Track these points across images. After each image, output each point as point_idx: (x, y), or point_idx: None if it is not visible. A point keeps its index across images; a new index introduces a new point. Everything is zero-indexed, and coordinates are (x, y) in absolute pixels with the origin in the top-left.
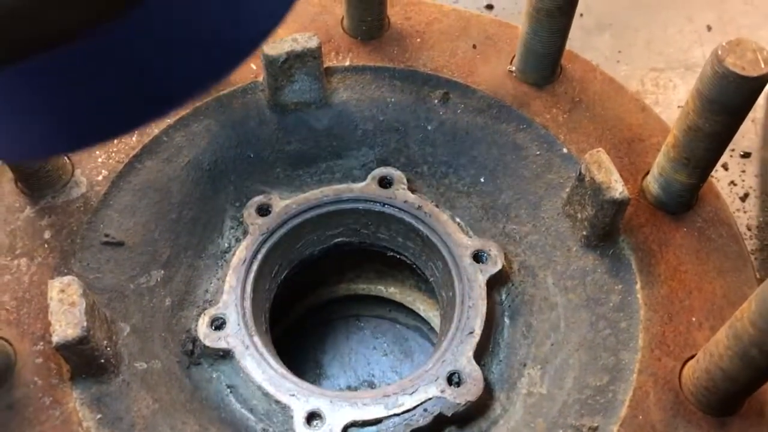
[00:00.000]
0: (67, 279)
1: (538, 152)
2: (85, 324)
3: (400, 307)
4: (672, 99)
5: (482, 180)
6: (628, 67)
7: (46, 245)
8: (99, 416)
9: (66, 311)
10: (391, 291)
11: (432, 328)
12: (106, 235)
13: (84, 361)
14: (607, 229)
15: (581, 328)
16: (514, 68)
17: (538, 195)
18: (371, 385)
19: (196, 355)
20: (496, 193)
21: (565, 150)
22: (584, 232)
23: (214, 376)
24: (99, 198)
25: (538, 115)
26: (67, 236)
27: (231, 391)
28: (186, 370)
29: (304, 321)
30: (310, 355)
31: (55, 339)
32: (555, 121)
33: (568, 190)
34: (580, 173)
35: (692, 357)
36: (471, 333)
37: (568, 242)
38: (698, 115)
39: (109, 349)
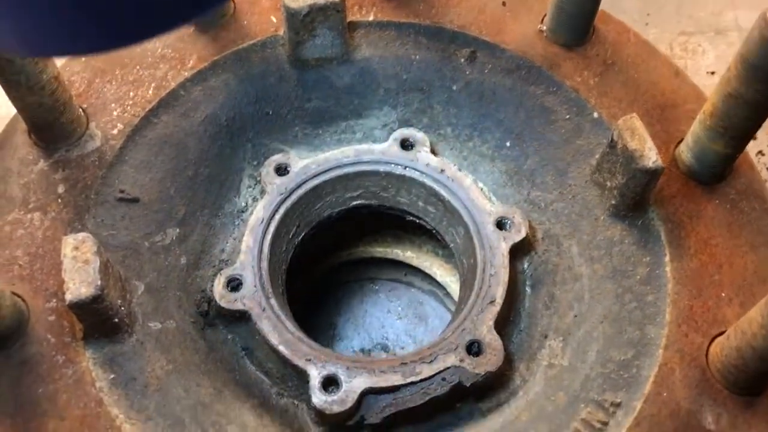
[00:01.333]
0: (81, 236)
1: (567, 116)
2: (99, 282)
3: (416, 271)
4: (701, 64)
5: (508, 144)
6: (656, 30)
7: (59, 200)
8: (112, 376)
9: (80, 269)
10: (408, 255)
11: (448, 294)
12: (121, 191)
13: (97, 321)
14: (638, 198)
15: (606, 301)
16: (544, 28)
17: (566, 161)
18: (385, 349)
19: (211, 316)
20: (522, 158)
21: (595, 115)
22: (613, 201)
23: (229, 337)
24: (114, 152)
25: (568, 78)
26: (81, 191)
27: (246, 354)
28: (201, 330)
29: (319, 282)
30: (325, 316)
31: (68, 297)
32: (586, 85)
33: (597, 156)
34: (612, 140)
35: (721, 334)
36: (492, 302)
37: (596, 211)
38: (740, 82)
39: (123, 308)
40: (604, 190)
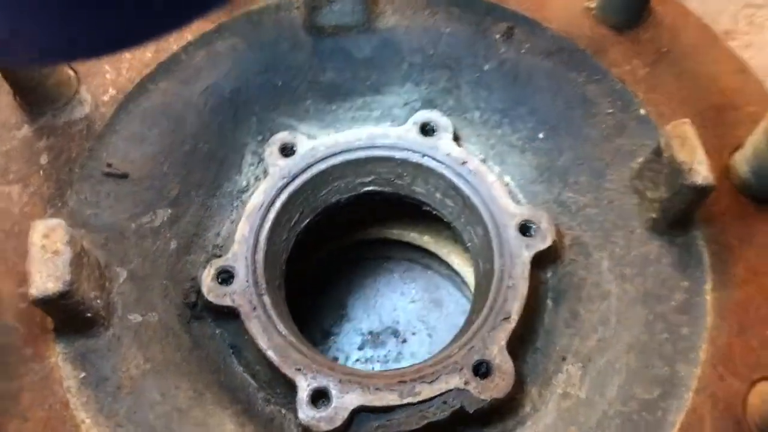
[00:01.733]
0: (52, 222)
1: (610, 110)
2: (68, 277)
3: (434, 255)
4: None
5: (540, 136)
6: (719, 2)
7: (41, 172)
8: (83, 375)
9: (48, 260)
10: (425, 240)
11: (465, 282)
12: (109, 165)
13: (67, 317)
14: (681, 216)
15: (635, 327)
16: (593, 5)
17: (604, 161)
18: (395, 333)
19: (199, 308)
20: (555, 152)
21: (642, 111)
22: (653, 215)
23: (217, 332)
24: (104, 121)
25: (615, 66)
26: (66, 163)
27: (234, 352)
28: (186, 324)
29: (329, 260)
30: (334, 294)
31: (32, 292)
32: (634, 75)
33: (640, 160)
34: (659, 146)
35: (763, 379)
36: (507, 318)
37: (632, 222)
38: None
39: (98, 301)
40: (644, 200)
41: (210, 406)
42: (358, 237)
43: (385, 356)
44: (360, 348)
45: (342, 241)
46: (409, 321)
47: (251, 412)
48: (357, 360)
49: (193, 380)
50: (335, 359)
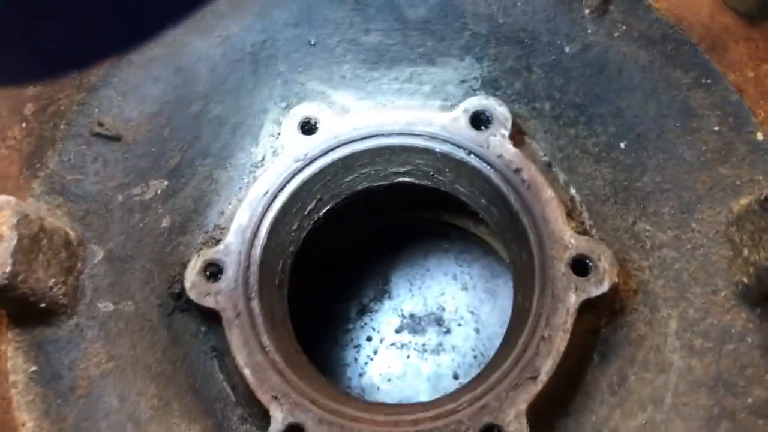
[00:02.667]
0: (0, 199)
1: (716, 127)
2: (9, 269)
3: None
4: None
5: (622, 145)
6: None
7: (24, 123)
8: (33, 368)
9: None
10: (481, 230)
11: None
12: (100, 124)
13: (14, 307)
14: None
15: (693, 419)
16: None
17: (697, 193)
18: (439, 321)
19: (185, 298)
20: (638, 170)
21: (759, 136)
22: (744, 279)
23: (201, 330)
24: (99, 71)
25: (734, 69)
26: (52, 117)
27: (216, 356)
28: (166, 317)
29: (374, 228)
30: (377, 265)
31: None
32: (759, 85)
33: (744, 202)
34: (765, 198)
35: None
36: (534, 378)
37: (718, 281)
38: None
39: (59, 288)
40: (738, 257)
41: (174, 419)
42: (405, 215)
43: (424, 345)
44: (398, 331)
45: (385, 217)
46: (457, 309)
47: (223, 431)
48: (392, 344)
49: (162, 385)
50: (369, 339)
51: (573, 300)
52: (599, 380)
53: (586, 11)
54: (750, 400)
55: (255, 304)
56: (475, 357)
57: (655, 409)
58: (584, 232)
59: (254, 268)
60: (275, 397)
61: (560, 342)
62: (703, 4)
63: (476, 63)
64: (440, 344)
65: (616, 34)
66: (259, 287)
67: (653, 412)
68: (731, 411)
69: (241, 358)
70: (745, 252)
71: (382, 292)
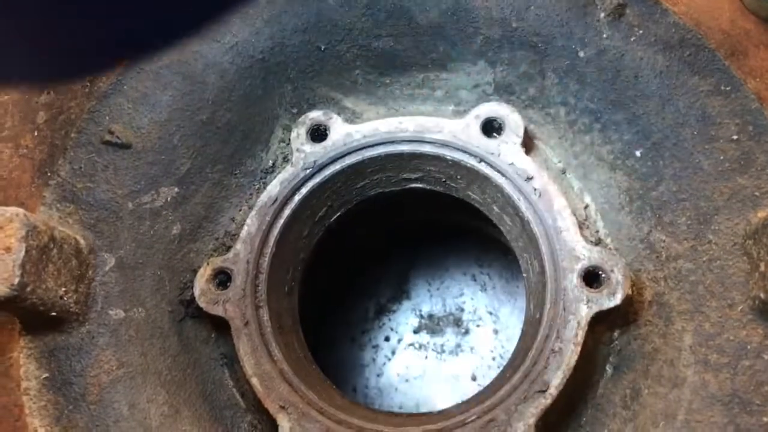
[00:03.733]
0: (9, 211)
1: (735, 136)
2: (17, 280)
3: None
4: None
5: (638, 153)
6: None
7: (36, 132)
8: (45, 375)
9: None
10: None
11: None
12: (111, 132)
13: (25, 316)
14: None
15: None
16: None
17: (715, 204)
18: (457, 322)
19: (195, 305)
20: (653, 178)
21: None
22: (761, 294)
23: (212, 336)
24: (110, 79)
25: (755, 76)
26: (63, 125)
27: (226, 363)
28: (177, 323)
29: (394, 227)
30: (396, 265)
31: None
32: None
33: (762, 214)
34: None
35: None
36: (543, 391)
37: (735, 294)
38: None
39: (69, 296)
40: (756, 271)
41: (185, 426)
42: (422, 217)
43: (442, 346)
44: (416, 331)
45: (405, 216)
46: (476, 310)
47: None
48: (410, 345)
49: (172, 392)
50: (387, 339)
51: (584, 313)
52: (612, 393)
53: (602, 15)
54: (766, 419)
55: (263, 313)
56: (493, 358)
57: (668, 425)
58: (598, 242)
59: (263, 276)
60: (283, 407)
61: (571, 356)
62: (723, 8)
63: (489, 68)
64: (458, 345)
65: (632, 39)
66: (268, 295)
67: (665, 428)
68: (746, 430)
69: (249, 366)
70: (762, 266)
71: (401, 292)
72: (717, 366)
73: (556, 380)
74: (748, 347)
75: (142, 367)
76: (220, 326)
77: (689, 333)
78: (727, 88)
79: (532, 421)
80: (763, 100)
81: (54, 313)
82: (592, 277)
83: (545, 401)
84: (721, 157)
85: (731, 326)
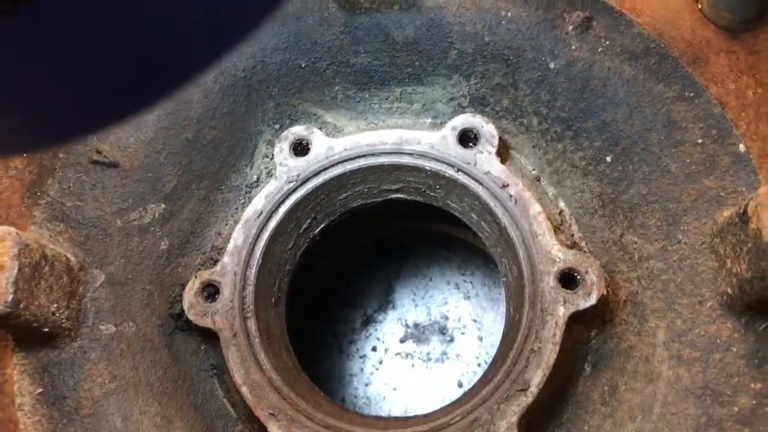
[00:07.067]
0: (1, 230)
1: (699, 140)
2: (11, 297)
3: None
4: None
5: (609, 159)
6: None
7: (25, 153)
8: (39, 390)
9: None
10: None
11: None
12: (98, 152)
13: (18, 333)
14: (763, 301)
15: (682, 428)
16: None
17: (683, 205)
18: (442, 330)
19: (184, 319)
20: (624, 182)
21: (741, 148)
22: (729, 290)
23: (202, 348)
24: None
25: (716, 82)
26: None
27: (216, 374)
28: (167, 337)
29: (378, 239)
30: (381, 274)
31: None
32: (740, 97)
33: (727, 214)
34: (744, 212)
35: None
36: (524, 390)
37: (704, 291)
38: None
39: (61, 312)
40: (723, 268)
41: None
42: (403, 227)
43: (428, 354)
44: (402, 341)
45: (390, 227)
46: (460, 318)
47: None
48: (397, 354)
49: (164, 403)
50: (374, 349)
51: (561, 313)
52: (591, 391)
53: (570, 27)
54: (736, 408)
55: (251, 323)
56: (479, 365)
57: (644, 418)
58: (573, 245)
59: (250, 288)
60: (273, 414)
61: (549, 354)
62: (684, 18)
63: (464, 81)
64: (444, 353)
65: (599, 50)
66: (256, 306)
67: (642, 422)
68: (718, 420)
69: (238, 376)
70: (728, 263)
71: (386, 303)
72: (689, 360)
73: (536, 379)
74: (718, 341)
75: (134, 380)
76: (210, 338)
77: (662, 330)
78: (691, 94)
79: (514, 419)
80: (725, 104)
81: (47, 329)
82: (568, 279)
83: (527, 399)
84: (688, 160)
85: (702, 322)
